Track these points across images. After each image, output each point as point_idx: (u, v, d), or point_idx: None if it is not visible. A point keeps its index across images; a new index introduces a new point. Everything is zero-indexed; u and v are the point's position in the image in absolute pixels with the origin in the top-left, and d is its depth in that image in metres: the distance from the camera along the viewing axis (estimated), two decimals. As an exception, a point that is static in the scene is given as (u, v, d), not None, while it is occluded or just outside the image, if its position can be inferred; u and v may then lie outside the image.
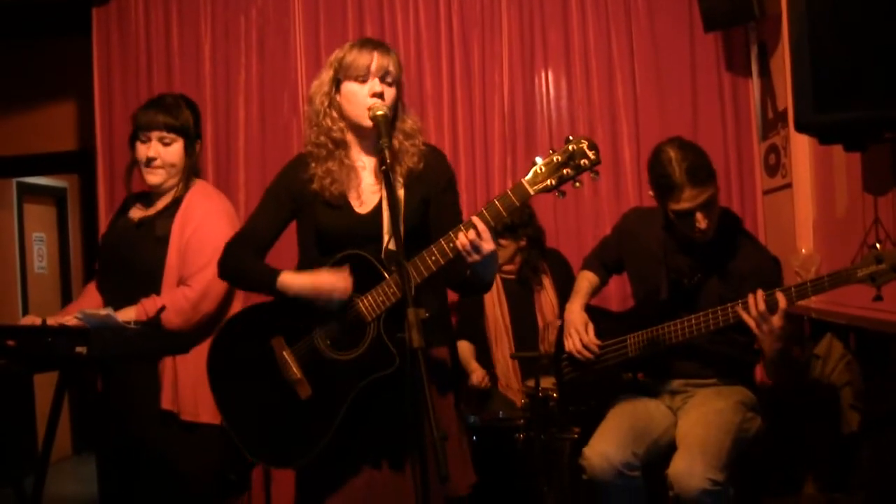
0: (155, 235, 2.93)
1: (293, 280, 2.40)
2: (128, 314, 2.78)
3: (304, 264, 2.54)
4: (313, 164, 2.48)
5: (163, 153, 2.97)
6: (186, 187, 3.02)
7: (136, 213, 3.06)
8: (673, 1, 4.28)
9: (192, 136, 3.02)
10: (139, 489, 2.93)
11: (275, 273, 2.42)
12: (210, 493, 3.05)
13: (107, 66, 4.64)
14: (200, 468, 2.94)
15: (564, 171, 2.17)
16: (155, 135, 2.96)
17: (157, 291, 2.90)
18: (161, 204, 3.02)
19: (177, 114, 2.99)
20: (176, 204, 2.98)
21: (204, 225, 2.93)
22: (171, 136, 2.97)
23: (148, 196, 3.09)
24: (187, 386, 2.89)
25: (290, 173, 2.57)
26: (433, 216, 2.49)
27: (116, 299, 2.82)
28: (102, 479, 3.09)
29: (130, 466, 2.93)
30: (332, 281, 2.34)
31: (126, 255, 2.95)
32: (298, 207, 2.54)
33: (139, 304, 2.84)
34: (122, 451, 2.96)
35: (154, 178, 3.00)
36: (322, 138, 2.47)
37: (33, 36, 5.54)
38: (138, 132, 3.00)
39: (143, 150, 2.99)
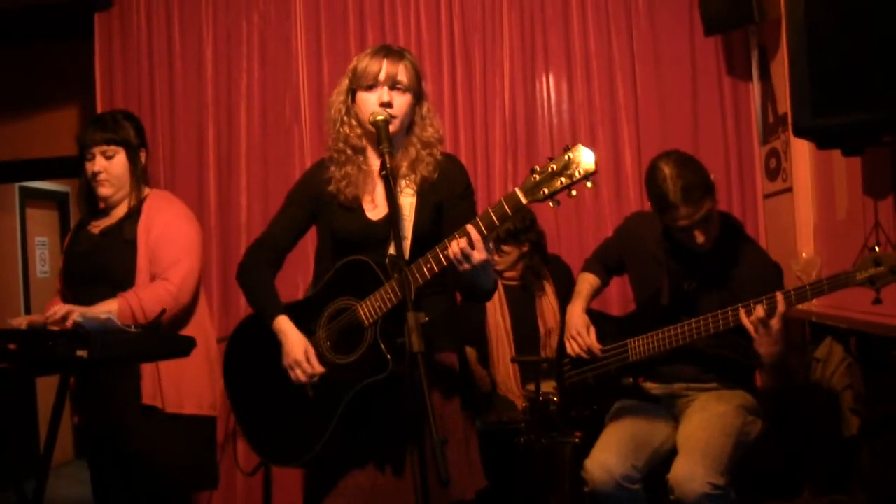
0: (123, 239, 3.02)
1: (283, 329, 2.47)
2: (109, 306, 2.85)
3: (319, 266, 2.60)
4: (332, 168, 2.52)
5: (107, 166, 3.08)
6: (140, 195, 3.12)
7: (96, 226, 3.15)
8: (673, 5, 4.29)
9: (133, 147, 3.11)
10: (126, 483, 2.99)
11: (275, 313, 2.49)
12: (192, 483, 3.12)
13: (109, 70, 4.66)
14: (184, 458, 3.01)
15: (559, 182, 2.15)
16: (97, 150, 3.07)
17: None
18: (120, 213, 3.12)
19: (114, 127, 3.10)
20: (137, 210, 3.08)
21: (170, 224, 3.05)
22: (113, 148, 3.08)
23: (103, 211, 3.18)
24: (170, 378, 2.96)
25: (310, 178, 2.63)
26: (447, 223, 2.49)
27: (89, 304, 2.87)
28: (95, 478, 3.12)
29: (116, 461, 2.99)
30: (301, 356, 2.42)
31: (97, 261, 3.03)
32: (317, 211, 2.59)
33: (120, 297, 2.89)
34: (106, 446, 3.02)
35: (104, 189, 3.09)
36: (341, 144, 2.51)
37: (35, 40, 5.54)
38: (83, 152, 3.10)
39: (89, 168, 3.09)
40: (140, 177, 3.13)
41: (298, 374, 2.42)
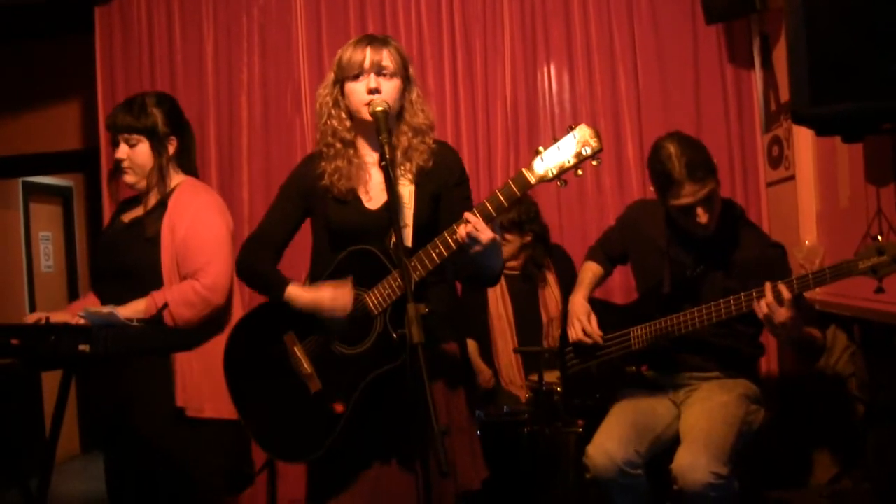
0: (145, 236, 2.94)
1: (299, 295, 2.44)
2: (137, 306, 2.79)
3: (317, 260, 2.58)
4: (323, 163, 2.51)
5: (130, 154, 3.01)
6: (168, 186, 3.03)
7: (128, 215, 3.09)
8: (674, -7, 4.27)
9: (159, 136, 3.02)
10: (147, 486, 2.94)
11: (283, 284, 2.46)
12: (216, 489, 3.06)
13: (110, 64, 4.66)
14: (205, 464, 2.94)
15: (566, 161, 2.18)
16: (122, 137, 3.01)
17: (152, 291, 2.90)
18: (149, 204, 3.04)
19: (139, 115, 3.00)
20: (163, 203, 3.00)
21: (198, 221, 2.95)
22: (136, 137, 3.00)
23: (137, 198, 3.12)
24: (194, 382, 2.90)
25: (302, 171, 2.61)
26: (444, 211, 2.50)
27: (111, 301, 2.82)
28: (110, 477, 3.10)
29: (138, 464, 2.93)
30: (332, 297, 2.37)
31: (118, 256, 2.97)
32: (310, 204, 2.57)
33: (149, 297, 2.83)
34: (129, 448, 2.97)
35: (128, 177, 3.04)
36: (330, 138, 2.50)
37: (36, 36, 5.56)
38: (111, 137, 3.05)
39: (115, 154, 3.04)
40: (165, 168, 3.03)
41: (338, 314, 2.37)
